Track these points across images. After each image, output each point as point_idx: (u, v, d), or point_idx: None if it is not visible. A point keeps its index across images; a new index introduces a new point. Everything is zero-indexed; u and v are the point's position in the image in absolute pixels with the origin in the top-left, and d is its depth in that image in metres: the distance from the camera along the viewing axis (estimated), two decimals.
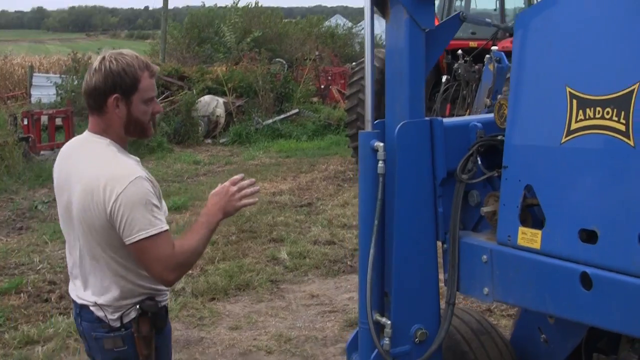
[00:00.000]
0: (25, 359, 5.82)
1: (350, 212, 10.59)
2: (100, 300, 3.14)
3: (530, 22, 2.81)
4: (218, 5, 34.06)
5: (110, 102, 3.05)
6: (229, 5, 32.44)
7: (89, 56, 22.55)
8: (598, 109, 2.48)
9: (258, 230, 9.59)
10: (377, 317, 3.12)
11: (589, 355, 3.25)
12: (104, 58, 3.08)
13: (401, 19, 3.09)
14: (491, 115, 3.24)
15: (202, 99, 18.89)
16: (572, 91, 2.58)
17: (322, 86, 24.91)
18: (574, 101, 2.57)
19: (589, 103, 2.52)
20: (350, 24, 41.86)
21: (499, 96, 10.57)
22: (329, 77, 25.58)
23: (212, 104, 18.87)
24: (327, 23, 40.88)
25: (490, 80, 10.84)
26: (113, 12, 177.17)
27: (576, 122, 2.56)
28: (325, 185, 12.95)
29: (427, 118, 3.12)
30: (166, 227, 3.01)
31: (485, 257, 2.97)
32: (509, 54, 10.83)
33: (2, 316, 6.70)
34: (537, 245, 2.72)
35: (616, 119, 2.42)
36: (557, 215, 2.64)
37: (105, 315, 3.14)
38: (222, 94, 19.71)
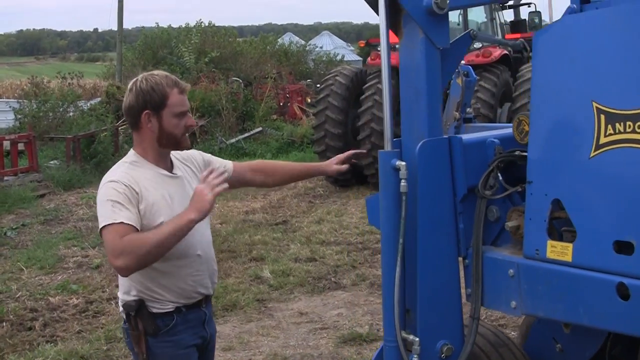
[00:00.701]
0: None
1: (326, 228, 10.64)
2: (117, 294, 3.54)
3: (550, 39, 2.87)
4: (172, 26, 33.82)
5: (143, 118, 3.35)
6: (184, 26, 32.38)
7: (49, 80, 22.36)
8: (629, 123, 2.55)
9: (237, 249, 9.57)
10: (405, 334, 3.14)
11: None
12: (137, 79, 3.40)
13: (416, 38, 3.12)
14: (507, 131, 3.30)
15: None
16: (599, 106, 2.64)
17: (281, 103, 25.02)
18: (602, 116, 2.63)
19: (618, 118, 2.58)
20: (302, 42, 42.13)
21: (468, 109, 10.76)
22: (287, 95, 25.72)
23: None
24: (280, 41, 41.04)
25: (458, 93, 10.94)
26: (62, 34, 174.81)
27: (605, 136, 2.62)
28: (297, 202, 12.99)
29: (445, 136, 3.16)
30: (121, 220, 3.16)
31: (512, 271, 3.01)
32: (474, 67, 10.99)
33: None
34: (568, 258, 2.77)
35: None
36: (590, 228, 2.70)
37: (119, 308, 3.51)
38: None
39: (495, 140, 3.24)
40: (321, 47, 44.98)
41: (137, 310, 3.37)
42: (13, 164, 15.48)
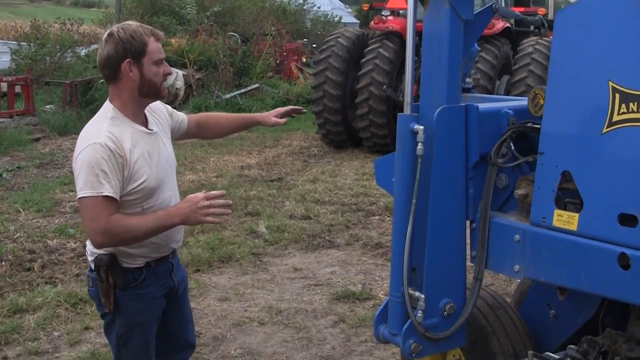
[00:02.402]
0: (17, 327, 5.86)
1: (321, 188, 10.79)
2: (86, 243, 3.60)
3: (572, 18, 2.99)
4: None
5: (124, 68, 3.37)
6: None
7: (50, 24, 22.29)
8: None
9: (233, 203, 9.66)
10: (411, 291, 3.30)
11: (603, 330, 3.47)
12: (112, 30, 3.43)
13: (442, 8, 3.23)
14: (521, 102, 3.44)
15: None
16: (615, 85, 2.78)
17: (278, 62, 25.01)
18: (617, 95, 2.77)
19: (632, 97, 2.72)
20: (301, 1, 41.93)
21: (467, 79, 10.83)
22: (284, 53, 25.71)
23: (172, 76, 18.67)
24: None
25: None
26: None
27: (618, 114, 2.76)
28: (292, 160, 13.12)
29: (462, 104, 3.29)
30: (107, 193, 3.24)
31: (517, 236, 3.17)
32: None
33: None
34: (573, 227, 2.93)
35: None
36: (596, 200, 2.85)
37: (87, 257, 3.60)
38: (182, 66, 19.62)
39: (509, 111, 3.37)
40: (319, 7, 44.77)
41: (109, 264, 3.45)
42: (9, 106, 15.49)
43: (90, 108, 16.08)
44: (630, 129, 2.73)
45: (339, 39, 14.17)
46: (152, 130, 3.56)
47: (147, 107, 3.59)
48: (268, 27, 26.03)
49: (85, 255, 7.32)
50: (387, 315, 3.43)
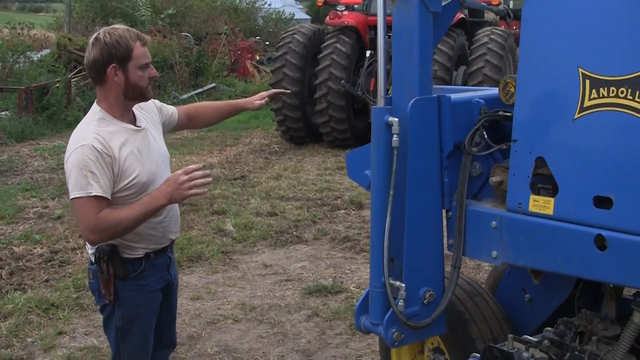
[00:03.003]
0: None
1: (285, 184, 10.82)
2: None
3: (539, 7, 3.06)
4: None
5: (109, 72, 3.47)
6: None
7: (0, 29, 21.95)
8: (612, 88, 2.76)
9: (198, 203, 9.68)
10: (392, 280, 3.35)
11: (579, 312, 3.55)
12: (99, 34, 3.51)
13: (411, 1, 3.28)
14: (493, 91, 3.51)
15: None
16: (584, 72, 2.85)
17: (232, 60, 24.97)
18: (587, 81, 2.84)
19: (602, 83, 2.79)
20: None
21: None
22: (238, 52, 25.67)
23: None
24: None
25: None
26: None
27: (589, 100, 2.84)
28: (253, 158, 13.13)
29: (434, 95, 3.35)
30: (95, 193, 3.36)
31: (494, 223, 3.23)
32: None
33: None
34: (549, 211, 3.00)
35: (631, 97, 2.70)
36: (571, 184, 2.92)
37: (88, 251, 3.71)
38: None
39: (481, 100, 3.44)
40: (270, 5, 44.69)
41: (109, 254, 3.56)
42: None
43: (47, 113, 15.92)
44: (602, 113, 2.80)
45: (295, 36, 14.18)
46: (140, 127, 3.65)
47: (136, 105, 3.68)
48: (221, 26, 25.96)
49: (53, 261, 7.32)
50: (367, 306, 3.49)
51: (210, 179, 3.60)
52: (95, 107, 3.58)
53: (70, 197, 3.41)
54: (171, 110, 4.03)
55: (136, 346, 3.74)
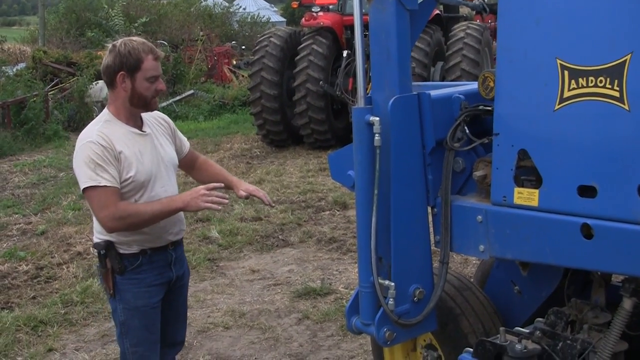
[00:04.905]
0: None
1: (268, 188, 10.79)
2: (92, 238, 3.98)
3: (515, 0, 3.07)
4: None
5: (118, 79, 3.71)
6: None
7: None
8: (591, 78, 2.78)
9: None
10: (380, 280, 3.35)
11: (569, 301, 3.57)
12: (116, 43, 3.77)
13: (387, 0, 3.28)
14: (472, 86, 3.51)
15: (94, 84, 18.54)
16: (563, 63, 2.86)
17: (209, 66, 24.93)
18: (566, 72, 2.85)
19: (581, 73, 2.81)
20: (226, 4, 41.77)
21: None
22: (215, 57, 25.64)
23: (105, 89, 18.44)
24: (203, 3, 40.54)
25: None
26: None
27: (569, 90, 2.85)
28: (235, 163, 13.11)
29: (414, 92, 3.35)
30: (106, 183, 3.59)
31: (480, 217, 3.24)
32: None
33: None
34: (534, 202, 3.01)
35: (610, 86, 2.72)
36: (555, 175, 2.94)
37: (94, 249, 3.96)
38: None
39: (460, 95, 3.44)
40: (244, 9, 44.65)
41: (105, 249, 3.78)
42: None
43: (26, 128, 15.80)
44: (582, 103, 2.81)
45: (272, 39, 14.17)
46: (145, 131, 3.85)
47: (152, 115, 3.94)
48: (197, 32, 25.90)
49: (39, 277, 7.26)
50: (358, 306, 3.49)
51: (227, 201, 3.79)
52: (104, 110, 3.83)
53: (82, 188, 3.62)
54: (184, 140, 4.19)
55: (138, 341, 3.88)
